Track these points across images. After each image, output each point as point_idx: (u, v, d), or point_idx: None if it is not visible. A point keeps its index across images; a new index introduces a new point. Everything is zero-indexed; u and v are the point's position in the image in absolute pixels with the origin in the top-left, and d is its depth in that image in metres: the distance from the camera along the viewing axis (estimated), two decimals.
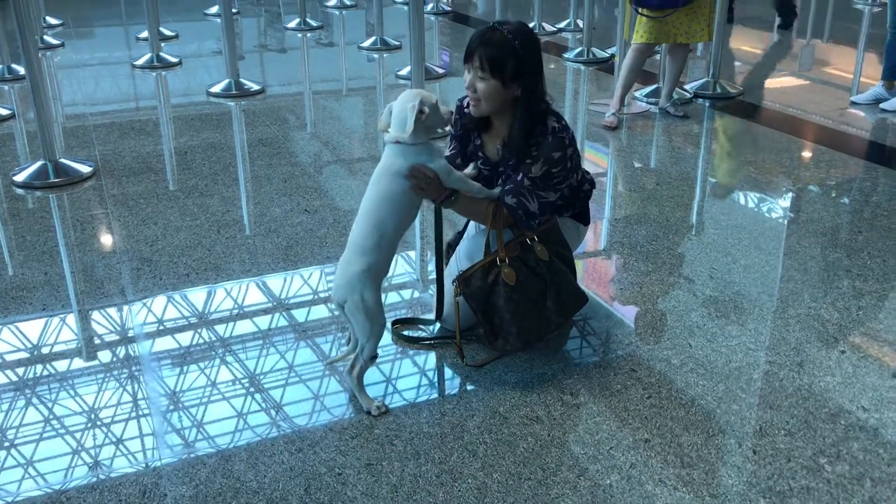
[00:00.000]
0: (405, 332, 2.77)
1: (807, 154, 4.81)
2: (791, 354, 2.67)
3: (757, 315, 2.91)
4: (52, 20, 8.68)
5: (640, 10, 5.04)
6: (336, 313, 2.87)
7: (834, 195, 4.10)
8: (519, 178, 2.50)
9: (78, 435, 2.31)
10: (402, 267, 3.32)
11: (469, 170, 2.61)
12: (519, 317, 2.51)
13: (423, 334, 2.79)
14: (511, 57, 2.40)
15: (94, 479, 2.13)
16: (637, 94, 5.79)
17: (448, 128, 2.66)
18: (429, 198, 2.45)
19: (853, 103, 5.77)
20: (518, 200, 2.50)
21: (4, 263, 3.34)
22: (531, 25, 8.34)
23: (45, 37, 7.78)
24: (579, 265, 3.33)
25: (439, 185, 2.42)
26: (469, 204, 2.54)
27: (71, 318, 2.94)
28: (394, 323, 2.80)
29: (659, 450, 2.21)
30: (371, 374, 2.56)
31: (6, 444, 2.28)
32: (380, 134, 2.46)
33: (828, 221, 3.72)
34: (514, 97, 2.47)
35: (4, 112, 5.41)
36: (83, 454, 2.24)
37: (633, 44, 5.17)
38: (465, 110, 2.60)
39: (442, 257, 2.70)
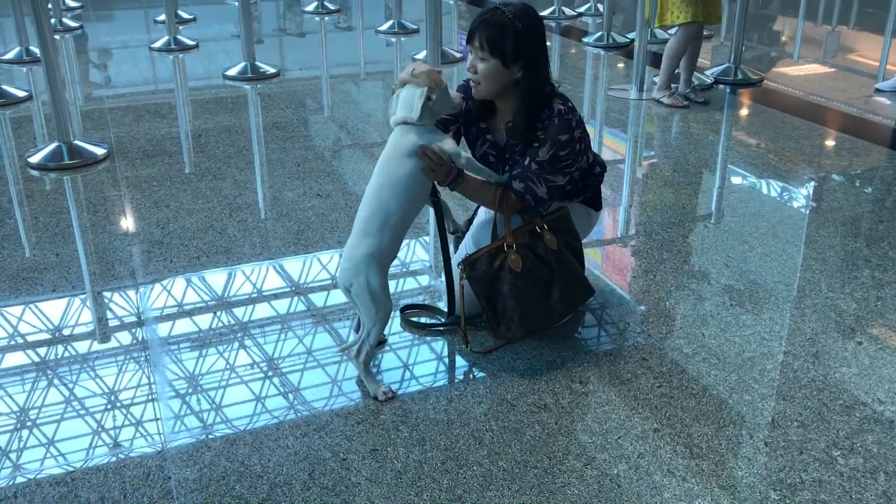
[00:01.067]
0: (413, 319, 2.75)
1: (828, 142, 4.72)
2: (806, 345, 2.62)
3: (772, 304, 2.86)
4: (71, 2, 8.70)
5: None
6: (344, 298, 2.85)
7: (855, 183, 4.02)
8: (526, 162, 2.47)
9: (83, 417, 2.31)
10: (414, 253, 3.30)
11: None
12: (523, 304, 2.48)
13: (432, 321, 2.76)
14: (511, 36, 2.37)
15: (99, 462, 2.13)
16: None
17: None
18: (437, 179, 2.42)
19: (878, 90, 5.66)
20: (526, 185, 2.47)
21: (17, 244, 3.34)
22: (551, 10, 8.29)
23: (64, 19, 7.80)
24: (594, 252, 3.29)
25: (450, 166, 2.39)
26: (476, 187, 2.51)
27: (80, 300, 2.94)
28: (402, 309, 2.78)
29: (668, 440, 2.18)
30: (380, 360, 2.54)
31: (10, 425, 2.28)
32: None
33: (848, 210, 3.65)
34: (515, 79, 2.43)
35: (21, 94, 5.43)
36: (88, 437, 2.23)
37: (670, 25, 5.09)
38: (465, 103, 2.58)
39: (448, 253, 2.66)
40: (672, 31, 5.27)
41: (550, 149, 2.43)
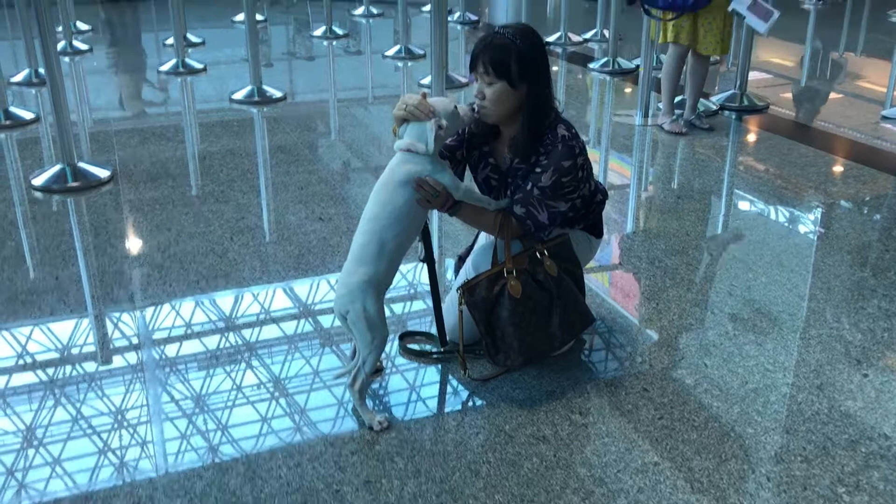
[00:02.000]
0: (410, 346, 2.71)
1: (834, 169, 4.69)
2: (811, 377, 2.57)
3: (776, 335, 2.82)
4: (81, 25, 8.77)
5: (646, 7, 4.98)
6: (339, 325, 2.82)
7: (862, 211, 3.98)
8: (528, 187, 2.44)
9: (72, 443, 2.28)
10: (410, 278, 3.27)
11: (466, 112, 2.45)
12: (522, 331, 2.45)
13: (429, 348, 2.73)
14: (515, 57, 2.36)
15: (87, 489, 2.09)
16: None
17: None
18: (433, 209, 2.41)
19: (884, 118, 5.64)
20: (527, 210, 2.44)
21: (18, 267, 3.33)
22: (557, 35, 8.31)
23: (74, 42, 7.85)
24: (602, 276, 3.26)
25: (447, 198, 2.38)
26: (474, 212, 2.49)
27: (76, 324, 2.92)
28: (400, 336, 2.75)
29: (668, 474, 2.13)
30: (380, 387, 2.51)
31: (4, 447, 2.25)
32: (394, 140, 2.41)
33: (854, 239, 3.61)
34: (522, 100, 2.43)
35: (29, 116, 5.45)
36: (78, 462, 2.20)
37: (662, 43, 5.11)
38: (476, 115, 2.56)
39: (436, 283, 2.63)
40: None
41: (553, 174, 2.41)
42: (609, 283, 3.30)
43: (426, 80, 6.32)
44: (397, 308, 3.01)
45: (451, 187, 2.36)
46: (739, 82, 5.84)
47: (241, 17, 9.22)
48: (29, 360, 2.70)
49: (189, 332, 2.86)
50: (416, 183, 2.32)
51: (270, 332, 2.86)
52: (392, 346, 2.69)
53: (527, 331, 2.45)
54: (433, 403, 2.47)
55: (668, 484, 2.10)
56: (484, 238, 2.80)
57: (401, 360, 2.67)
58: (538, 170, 2.43)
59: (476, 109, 2.46)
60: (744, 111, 5.76)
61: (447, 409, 2.44)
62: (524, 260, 2.49)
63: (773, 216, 3.95)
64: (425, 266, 2.62)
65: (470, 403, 2.46)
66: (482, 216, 2.50)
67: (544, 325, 2.48)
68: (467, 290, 2.48)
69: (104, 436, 2.31)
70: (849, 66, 7.99)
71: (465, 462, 2.18)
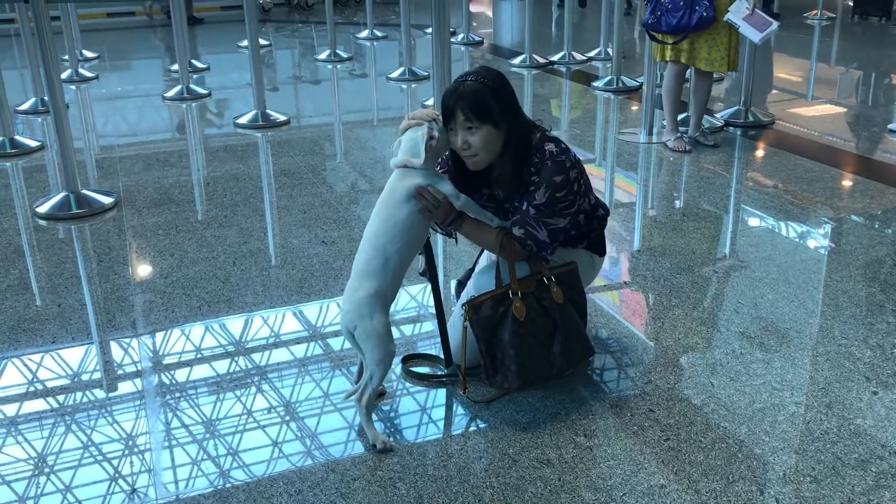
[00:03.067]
0: (414, 369, 2.69)
1: (841, 184, 4.66)
2: (819, 395, 2.53)
3: (784, 353, 2.78)
4: (88, 53, 8.84)
5: (650, 32, 4.98)
6: (347, 345, 2.80)
7: (870, 226, 3.94)
8: (524, 207, 2.43)
9: (70, 472, 2.26)
10: (414, 300, 3.25)
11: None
12: (522, 355, 2.42)
13: (433, 370, 2.70)
14: (492, 98, 2.35)
15: None
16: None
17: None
18: (436, 220, 2.40)
19: (891, 131, 5.60)
20: (525, 230, 2.42)
21: (20, 295, 3.33)
22: (561, 55, 8.33)
23: (80, 70, 7.91)
24: (604, 297, 3.23)
25: (449, 208, 2.37)
26: (476, 228, 2.47)
27: (78, 352, 2.91)
28: (403, 360, 2.72)
29: (675, 496, 2.09)
30: (387, 410, 2.48)
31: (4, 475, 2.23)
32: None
33: (862, 254, 3.57)
34: (506, 137, 2.41)
35: (34, 144, 5.48)
36: (76, 492, 2.18)
37: (661, 62, 5.12)
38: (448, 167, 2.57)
39: (440, 297, 2.61)
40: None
41: (546, 191, 2.39)
42: (614, 302, 3.27)
43: (430, 102, 6.33)
44: (406, 329, 2.99)
45: (452, 195, 2.37)
46: (744, 98, 5.82)
47: (246, 42, 9.32)
48: (32, 387, 2.69)
49: (190, 358, 2.84)
50: (417, 192, 2.32)
51: (274, 356, 2.84)
52: (396, 369, 2.67)
53: (527, 354, 2.43)
54: (435, 428, 2.44)
55: None
56: (486, 259, 2.78)
57: (402, 384, 2.64)
58: (532, 188, 2.42)
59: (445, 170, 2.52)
60: (749, 127, 5.74)
61: (450, 434, 2.41)
62: (531, 284, 2.46)
63: (779, 232, 3.91)
64: (429, 285, 2.61)
65: (473, 427, 2.43)
66: (485, 232, 2.49)
67: (545, 351, 2.46)
68: (473, 307, 2.45)
69: (103, 463, 2.28)
70: (855, 80, 7.97)
71: (468, 487, 2.15)
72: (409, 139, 2.39)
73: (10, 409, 2.57)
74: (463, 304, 2.49)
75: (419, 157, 2.34)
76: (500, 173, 2.48)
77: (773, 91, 7.22)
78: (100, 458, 2.32)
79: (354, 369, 2.59)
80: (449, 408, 2.54)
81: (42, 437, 2.42)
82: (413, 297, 3.25)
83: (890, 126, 5.69)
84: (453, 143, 2.40)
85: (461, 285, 2.78)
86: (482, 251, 2.83)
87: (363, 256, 2.36)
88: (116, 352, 2.90)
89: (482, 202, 2.58)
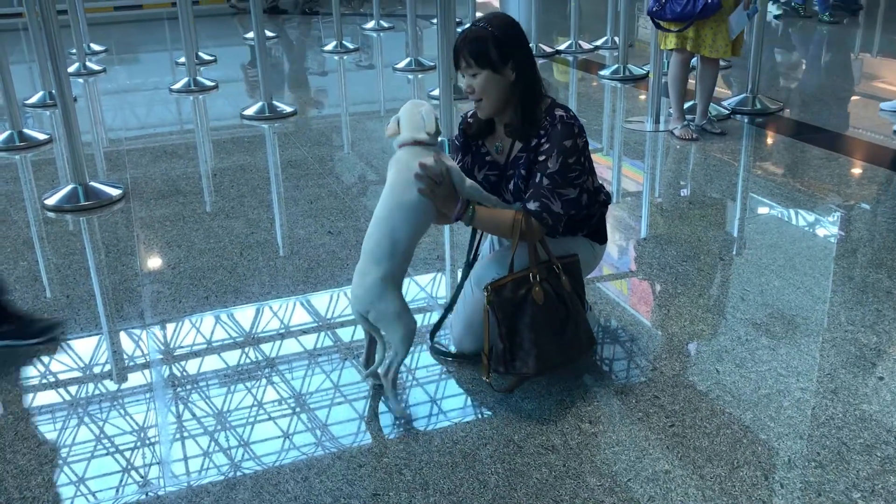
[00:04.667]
0: (439, 346, 2.76)
1: (849, 171, 4.64)
2: (825, 381, 2.53)
3: (790, 339, 2.78)
4: (95, 46, 8.86)
5: (655, 20, 4.96)
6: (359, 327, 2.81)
7: (876, 213, 3.93)
8: (537, 179, 2.42)
9: (81, 463, 2.28)
10: (423, 290, 3.26)
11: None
12: (540, 340, 2.41)
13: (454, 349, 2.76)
14: (492, 43, 2.39)
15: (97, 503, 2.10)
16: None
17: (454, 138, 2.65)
18: (438, 201, 2.35)
19: (881, 110, 5.61)
20: (541, 203, 2.41)
21: (29, 286, 3.35)
22: (568, 43, 8.30)
23: (88, 63, 7.93)
24: (609, 285, 3.23)
25: (452, 192, 2.36)
26: (489, 216, 2.45)
27: (86, 342, 2.93)
28: (432, 333, 2.80)
29: (679, 482, 2.10)
30: (381, 403, 2.50)
31: (10, 470, 2.26)
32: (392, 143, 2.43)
33: (869, 241, 3.56)
34: (511, 84, 2.43)
35: (42, 137, 5.51)
36: (87, 481, 2.20)
37: (667, 50, 5.10)
38: (469, 119, 2.60)
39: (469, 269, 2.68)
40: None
41: (558, 157, 2.39)
42: (620, 290, 3.27)
43: (436, 92, 6.33)
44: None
45: (456, 175, 2.37)
46: (751, 86, 5.80)
47: (251, 34, 9.32)
48: (34, 381, 2.71)
49: (199, 349, 2.86)
50: (420, 167, 2.31)
51: (283, 347, 2.86)
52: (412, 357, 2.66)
53: (545, 340, 2.42)
54: (441, 415, 2.45)
55: (680, 492, 2.07)
56: (488, 248, 2.79)
57: (406, 374, 2.65)
58: (542, 157, 2.41)
59: (468, 116, 2.53)
60: (756, 115, 5.71)
61: (455, 420, 2.42)
62: (543, 272, 2.46)
63: (786, 219, 3.90)
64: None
65: (478, 414, 2.44)
66: (497, 219, 2.44)
67: (559, 338, 2.46)
68: (495, 289, 2.43)
69: (111, 452, 2.31)
70: (863, 68, 7.91)
71: (473, 473, 2.16)
72: (409, 115, 2.38)
73: (22, 400, 2.59)
74: (485, 287, 2.45)
75: (429, 125, 2.34)
76: (509, 127, 2.50)
77: (781, 78, 7.19)
78: (111, 449, 2.34)
79: (361, 359, 2.60)
80: (454, 396, 2.55)
81: (54, 426, 2.44)
82: (423, 288, 3.26)
83: (882, 105, 5.67)
84: (462, 88, 2.47)
85: (469, 267, 2.75)
86: (479, 241, 2.80)
87: (372, 239, 2.37)
88: (125, 341, 2.92)
89: (484, 171, 2.58)
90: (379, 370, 2.42)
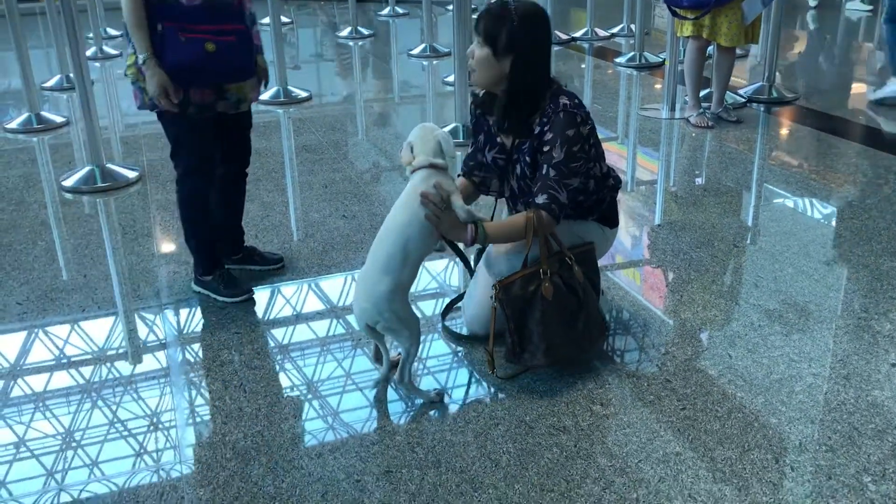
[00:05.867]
0: (450, 327, 2.80)
1: (864, 160, 4.61)
2: (837, 367, 2.53)
3: (802, 325, 2.78)
4: (111, 31, 8.90)
5: (672, 8, 4.94)
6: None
7: (892, 202, 3.91)
8: (544, 171, 2.43)
9: (98, 438, 2.32)
10: (435, 279, 3.28)
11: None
12: (550, 333, 2.42)
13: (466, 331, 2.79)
14: (506, 29, 2.39)
15: (114, 481, 2.13)
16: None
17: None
18: (443, 229, 2.37)
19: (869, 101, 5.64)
20: (548, 195, 2.41)
21: (48, 266, 3.39)
22: (584, 31, 8.27)
23: (104, 47, 7.97)
24: (622, 271, 3.24)
25: (456, 220, 2.37)
26: (499, 229, 2.47)
27: (104, 321, 2.97)
28: (443, 314, 2.85)
29: (690, 464, 2.12)
30: (386, 389, 2.52)
31: (28, 447, 2.30)
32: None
33: (884, 229, 3.55)
34: (504, 74, 2.44)
35: (60, 119, 5.55)
36: (105, 456, 2.24)
37: (683, 38, 5.08)
38: (478, 91, 2.62)
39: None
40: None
41: (562, 146, 2.40)
42: (633, 276, 3.28)
43: (450, 78, 6.33)
44: (426, 308, 3.02)
45: (454, 196, 2.36)
46: (767, 74, 5.77)
47: (266, 19, 9.34)
48: (59, 356, 2.75)
49: (214, 329, 2.88)
50: (423, 196, 2.32)
51: (298, 330, 2.88)
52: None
53: (555, 333, 2.43)
54: (453, 394, 2.47)
55: (690, 474, 2.08)
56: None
57: (420, 352, 2.67)
58: (546, 147, 2.42)
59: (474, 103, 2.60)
60: (772, 103, 5.69)
61: (467, 400, 2.44)
62: (554, 264, 2.47)
63: (801, 207, 3.89)
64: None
65: (489, 395, 2.46)
66: (511, 227, 2.47)
67: (569, 330, 2.47)
68: (503, 287, 2.45)
69: (129, 431, 2.34)
70: (879, 57, 7.85)
71: (484, 452, 2.18)
72: (423, 139, 2.38)
73: (40, 379, 2.63)
74: (493, 285, 2.47)
75: (449, 149, 2.38)
76: (497, 118, 2.52)
77: (797, 67, 7.14)
78: (122, 424, 2.37)
79: (371, 349, 2.62)
80: (467, 376, 2.57)
81: (71, 405, 2.48)
82: (434, 276, 3.28)
83: (870, 96, 5.68)
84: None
85: (482, 251, 2.76)
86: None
87: (385, 250, 2.35)
88: (142, 322, 2.95)
89: (492, 153, 2.60)
90: (394, 378, 2.45)
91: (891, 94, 5.58)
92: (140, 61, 2.67)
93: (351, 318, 2.92)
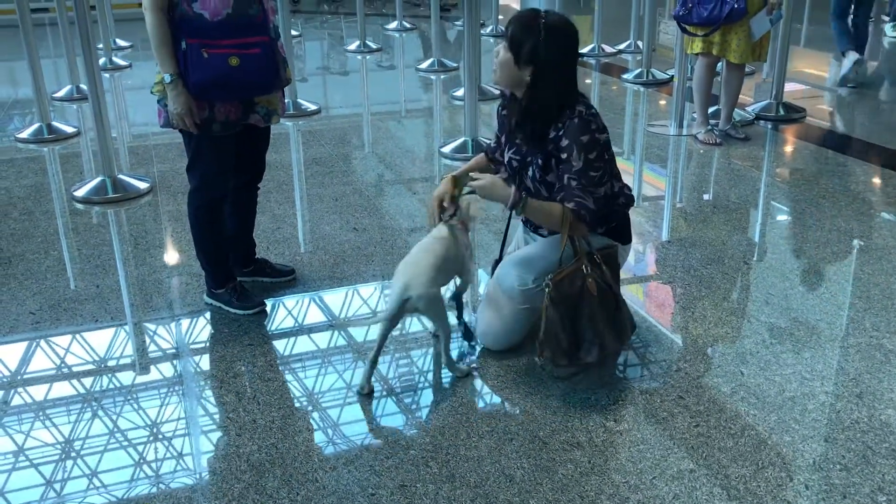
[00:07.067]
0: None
1: (873, 178, 4.63)
2: (850, 385, 2.54)
3: (814, 343, 2.78)
4: (121, 42, 8.95)
5: (682, 25, 4.97)
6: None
7: None
8: (565, 181, 2.46)
9: (112, 449, 2.32)
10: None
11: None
12: (601, 330, 2.46)
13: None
14: (531, 39, 2.42)
15: (130, 493, 2.13)
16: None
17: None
18: (489, 192, 2.51)
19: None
20: (576, 203, 2.45)
21: (60, 276, 3.40)
22: (591, 47, 8.30)
23: (114, 58, 8.01)
24: (635, 289, 3.24)
25: (501, 183, 2.53)
26: (539, 205, 2.51)
27: (117, 332, 2.97)
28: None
29: (704, 481, 2.12)
30: (409, 400, 2.52)
31: (44, 458, 2.30)
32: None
33: (894, 247, 3.55)
34: (523, 82, 2.47)
35: (70, 130, 5.57)
36: (121, 468, 2.24)
37: (693, 54, 5.10)
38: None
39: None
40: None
41: (580, 154, 2.42)
42: (644, 293, 3.29)
43: (459, 93, 6.36)
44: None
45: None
46: (775, 92, 5.79)
47: None
48: (73, 366, 2.76)
49: (228, 340, 2.89)
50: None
51: (311, 342, 2.89)
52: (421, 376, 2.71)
53: (604, 329, 2.47)
54: (467, 410, 2.47)
55: (705, 491, 2.08)
56: (514, 246, 2.83)
57: (431, 373, 2.68)
58: (563, 155, 2.44)
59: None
60: (780, 121, 5.71)
61: (481, 416, 2.44)
62: (584, 261, 2.50)
63: (810, 225, 3.90)
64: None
65: (503, 410, 2.47)
66: (549, 209, 2.50)
67: (614, 325, 2.50)
68: (555, 284, 2.46)
69: (144, 441, 2.35)
70: (887, 74, 7.88)
71: (499, 467, 2.18)
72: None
73: (54, 389, 2.64)
74: (546, 283, 2.47)
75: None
76: (514, 125, 2.57)
77: (805, 85, 7.17)
78: (136, 436, 2.38)
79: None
80: (479, 391, 2.58)
81: (83, 415, 2.48)
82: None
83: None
84: None
85: (496, 263, 2.78)
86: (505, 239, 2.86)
87: (428, 259, 2.53)
88: (155, 333, 2.96)
89: (510, 153, 2.64)
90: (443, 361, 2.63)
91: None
92: (166, 80, 2.68)
93: (361, 330, 2.93)
